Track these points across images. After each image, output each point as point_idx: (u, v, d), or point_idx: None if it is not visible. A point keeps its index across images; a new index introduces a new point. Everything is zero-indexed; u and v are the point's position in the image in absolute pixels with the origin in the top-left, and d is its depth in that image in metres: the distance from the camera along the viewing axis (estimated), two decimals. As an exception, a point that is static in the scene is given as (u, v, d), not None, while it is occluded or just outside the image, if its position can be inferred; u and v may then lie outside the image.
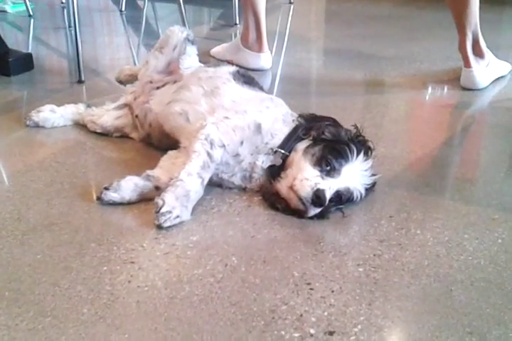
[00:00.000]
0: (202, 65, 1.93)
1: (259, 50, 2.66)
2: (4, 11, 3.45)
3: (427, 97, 2.42)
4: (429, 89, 2.48)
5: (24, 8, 3.43)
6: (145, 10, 3.82)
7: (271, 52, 2.67)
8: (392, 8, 3.74)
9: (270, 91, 1.84)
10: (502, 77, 2.53)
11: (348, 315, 1.14)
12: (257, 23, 2.64)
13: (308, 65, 2.78)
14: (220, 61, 2.63)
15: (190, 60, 1.92)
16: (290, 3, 3.79)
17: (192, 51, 1.93)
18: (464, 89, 2.40)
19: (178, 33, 1.90)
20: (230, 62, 2.57)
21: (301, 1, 3.93)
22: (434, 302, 1.18)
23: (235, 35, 3.20)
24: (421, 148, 1.89)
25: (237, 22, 3.31)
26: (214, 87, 1.69)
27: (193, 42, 1.92)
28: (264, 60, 2.65)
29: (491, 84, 2.43)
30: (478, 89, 2.40)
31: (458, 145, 1.97)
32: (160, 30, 3.35)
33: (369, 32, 3.24)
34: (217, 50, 2.80)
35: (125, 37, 3.22)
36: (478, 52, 2.41)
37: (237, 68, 1.81)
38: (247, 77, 1.78)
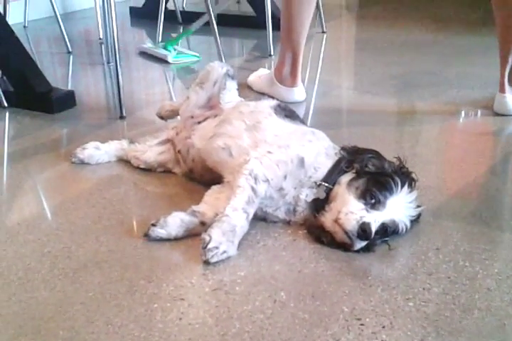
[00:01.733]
0: (242, 99, 1.96)
1: (292, 84, 2.63)
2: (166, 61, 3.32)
3: (466, 125, 2.41)
4: (467, 116, 2.47)
5: (186, 59, 3.32)
6: (180, 43, 3.89)
7: (304, 83, 2.68)
8: (424, 35, 3.75)
9: (305, 123, 1.85)
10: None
11: (401, 351, 1.14)
12: (294, 59, 2.60)
13: (342, 94, 2.79)
14: (258, 93, 2.66)
15: (230, 95, 1.94)
16: (323, 32, 3.83)
17: (232, 86, 1.96)
18: (503, 115, 2.38)
19: (218, 68, 1.94)
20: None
21: (334, 29, 3.96)
22: (487, 337, 1.17)
23: (269, 67, 3.24)
24: (463, 177, 1.88)
25: (272, 53, 3.34)
26: (256, 121, 1.71)
27: (233, 78, 1.95)
28: (297, 93, 2.64)
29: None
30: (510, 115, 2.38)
31: (501, 173, 1.95)
32: (196, 63, 3.39)
33: (402, 59, 3.25)
34: (254, 80, 2.81)
35: (161, 71, 3.28)
36: None
37: (278, 102, 1.83)
38: (289, 110, 1.80)
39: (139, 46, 3.55)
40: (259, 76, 2.81)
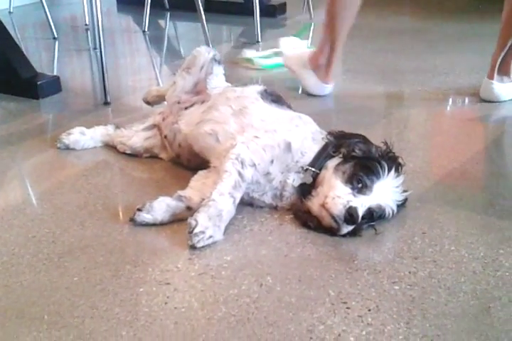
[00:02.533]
0: (229, 84, 1.95)
1: (325, 79, 2.53)
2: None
3: (453, 111, 2.41)
4: (455, 102, 2.47)
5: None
6: (167, 29, 3.87)
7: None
8: (413, 22, 3.74)
9: (294, 108, 1.84)
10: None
11: (387, 334, 1.14)
12: (331, 54, 2.50)
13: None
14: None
15: (217, 80, 1.93)
16: (310, 19, 3.81)
17: (219, 71, 1.94)
18: (489, 101, 2.39)
19: (205, 53, 1.92)
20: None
21: (322, 17, 3.93)
22: (472, 320, 1.18)
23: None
24: (450, 163, 1.88)
25: (259, 39, 3.32)
26: (242, 106, 1.70)
27: (219, 62, 1.94)
28: (326, 91, 2.56)
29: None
30: (498, 102, 2.39)
31: (487, 158, 1.96)
32: (182, 50, 3.38)
33: (391, 46, 3.24)
34: (290, 55, 2.70)
35: (148, 57, 3.26)
36: (504, 69, 2.39)
37: (265, 87, 1.82)
38: (275, 95, 1.79)
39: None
40: (295, 52, 2.71)
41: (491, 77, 2.40)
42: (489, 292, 1.26)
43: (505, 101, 2.40)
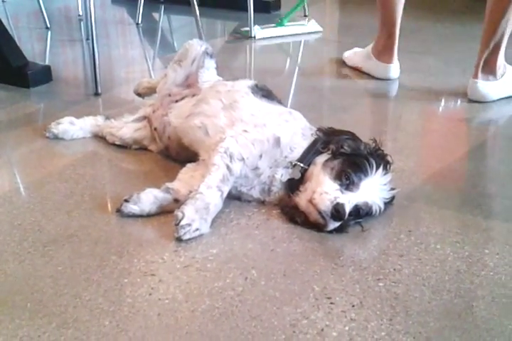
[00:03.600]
0: (220, 78, 1.94)
1: (389, 60, 2.67)
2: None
3: (443, 110, 2.42)
4: (445, 102, 2.47)
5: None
6: (160, 22, 3.85)
7: (285, 68, 2.67)
8: (407, 22, 3.73)
9: (285, 104, 1.84)
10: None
11: (370, 330, 1.14)
12: (390, 33, 2.64)
13: (324, 78, 2.78)
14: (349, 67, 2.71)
15: (208, 74, 1.93)
16: (305, 16, 3.80)
17: (210, 64, 1.94)
18: (478, 101, 2.40)
19: (197, 46, 1.92)
20: (359, 69, 2.75)
21: (317, 14, 3.94)
22: (455, 318, 1.18)
23: (251, 49, 3.22)
24: (438, 162, 1.89)
25: (253, 35, 3.31)
26: (233, 100, 1.70)
27: (211, 56, 1.93)
28: (393, 70, 2.68)
29: (505, 99, 2.43)
30: (485, 102, 2.41)
31: (475, 158, 1.96)
32: (175, 43, 3.37)
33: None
34: (349, 55, 2.87)
35: (141, 49, 3.25)
36: (489, 68, 2.40)
37: (255, 81, 1.81)
38: (266, 90, 1.79)
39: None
40: (355, 52, 2.86)
41: (475, 76, 2.42)
42: (473, 291, 1.26)
43: (493, 100, 2.41)
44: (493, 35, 2.33)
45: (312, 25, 3.52)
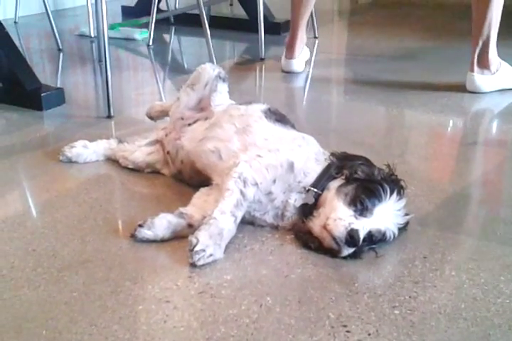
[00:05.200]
0: (233, 102, 1.95)
1: (290, 56, 3.07)
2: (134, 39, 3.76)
3: (454, 133, 2.42)
4: (457, 125, 2.48)
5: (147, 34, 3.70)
6: (171, 44, 3.88)
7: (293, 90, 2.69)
8: (415, 43, 3.76)
9: (296, 127, 1.85)
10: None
11: (386, 359, 1.13)
12: (292, 30, 3.05)
13: (333, 100, 2.80)
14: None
15: (221, 97, 1.93)
16: (315, 37, 3.83)
17: (223, 88, 1.95)
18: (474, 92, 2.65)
19: (210, 70, 1.93)
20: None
21: (326, 35, 3.97)
22: (472, 346, 1.17)
23: (261, 70, 3.24)
24: (452, 186, 1.88)
25: (263, 56, 3.33)
26: (246, 124, 1.70)
27: (224, 80, 1.94)
28: (295, 65, 3.09)
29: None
30: (482, 93, 2.70)
31: (489, 182, 1.96)
32: (186, 65, 3.39)
33: (392, 66, 3.24)
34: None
35: (152, 71, 3.26)
36: (483, 63, 2.68)
37: (269, 106, 1.82)
38: (279, 114, 1.80)
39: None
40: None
41: (471, 70, 2.70)
42: (489, 319, 1.25)
43: (486, 92, 2.71)
44: (481, 33, 2.61)
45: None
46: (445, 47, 3.62)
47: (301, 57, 3.13)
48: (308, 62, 3.18)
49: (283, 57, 3.12)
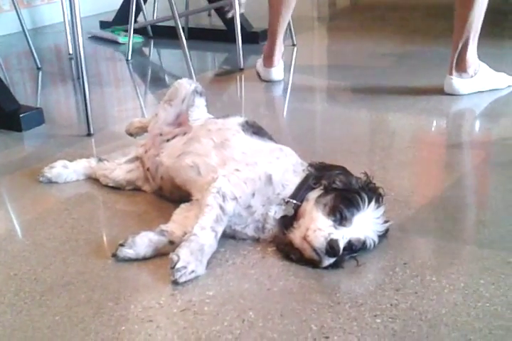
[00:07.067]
0: (211, 116, 1.96)
1: (269, 65, 3.09)
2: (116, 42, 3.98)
3: (434, 136, 2.43)
4: (436, 128, 2.50)
5: (137, 40, 3.91)
6: (150, 57, 3.90)
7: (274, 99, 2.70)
8: (394, 47, 3.78)
9: (277, 137, 1.86)
10: (497, 89, 2.81)
11: (369, 369, 1.14)
12: (271, 38, 3.07)
13: (313, 107, 2.80)
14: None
15: (199, 112, 1.95)
16: (293, 45, 3.85)
17: (200, 103, 1.96)
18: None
19: (187, 85, 1.94)
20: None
21: (305, 42, 3.98)
22: (453, 352, 1.18)
23: (241, 80, 3.25)
24: (431, 191, 1.90)
25: (242, 66, 3.35)
26: (224, 138, 1.71)
27: (201, 94, 1.96)
28: (275, 73, 3.11)
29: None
30: (460, 95, 2.73)
31: (468, 186, 1.97)
32: (167, 78, 3.40)
33: (373, 72, 3.26)
34: (258, 64, 3.24)
35: (132, 86, 3.27)
36: (461, 66, 2.70)
37: (246, 118, 1.83)
38: (256, 127, 1.81)
39: (89, 31, 4.12)
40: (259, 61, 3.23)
41: (450, 73, 2.73)
42: (470, 323, 1.26)
43: (463, 94, 2.74)
44: (461, 37, 2.63)
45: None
46: (423, 50, 3.64)
47: (280, 66, 3.14)
48: (287, 70, 3.19)
49: (261, 66, 3.13)
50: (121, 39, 3.94)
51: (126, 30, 3.78)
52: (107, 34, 4.09)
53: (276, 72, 3.11)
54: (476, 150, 2.25)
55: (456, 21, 2.65)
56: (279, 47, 3.08)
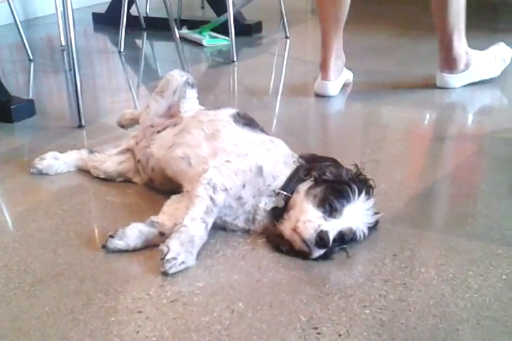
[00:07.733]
0: (202, 107, 1.96)
1: (324, 77, 2.70)
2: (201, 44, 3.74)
3: (427, 129, 2.44)
4: (428, 121, 2.50)
5: (218, 43, 3.73)
6: (143, 49, 3.88)
7: (268, 91, 2.68)
8: (387, 40, 3.78)
9: (268, 129, 1.86)
10: (491, 80, 2.80)
11: (357, 360, 1.15)
12: (323, 45, 2.70)
13: (306, 100, 2.80)
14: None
15: (190, 103, 1.94)
16: (286, 37, 3.84)
17: (192, 94, 1.95)
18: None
19: (178, 77, 1.93)
20: None
21: (298, 35, 3.98)
22: (441, 343, 1.19)
23: (233, 73, 3.24)
24: (421, 183, 1.90)
25: (235, 59, 3.34)
26: (215, 130, 1.71)
27: (192, 86, 1.95)
28: (330, 88, 2.70)
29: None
30: (451, 88, 2.73)
31: (458, 177, 1.98)
32: (159, 70, 3.39)
33: (365, 64, 3.26)
34: None
35: (124, 78, 3.26)
36: (450, 64, 2.70)
37: (237, 110, 1.83)
38: (247, 118, 1.81)
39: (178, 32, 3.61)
40: None
41: (440, 70, 2.73)
42: (458, 314, 1.27)
43: (456, 88, 2.73)
44: (444, 37, 2.64)
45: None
46: (415, 43, 3.65)
47: (339, 80, 2.75)
48: (279, 62, 3.17)
49: (319, 78, 2.74)
50: (205, 42, 3.71)
51: (214, 30, 3.80)
52: (193, 36, 3.81)
53: (333, 86, 2.71)
54: (467, 143, 2.25)
55: (435, 22, 2.66)
56: (336, 57, 2.71)
